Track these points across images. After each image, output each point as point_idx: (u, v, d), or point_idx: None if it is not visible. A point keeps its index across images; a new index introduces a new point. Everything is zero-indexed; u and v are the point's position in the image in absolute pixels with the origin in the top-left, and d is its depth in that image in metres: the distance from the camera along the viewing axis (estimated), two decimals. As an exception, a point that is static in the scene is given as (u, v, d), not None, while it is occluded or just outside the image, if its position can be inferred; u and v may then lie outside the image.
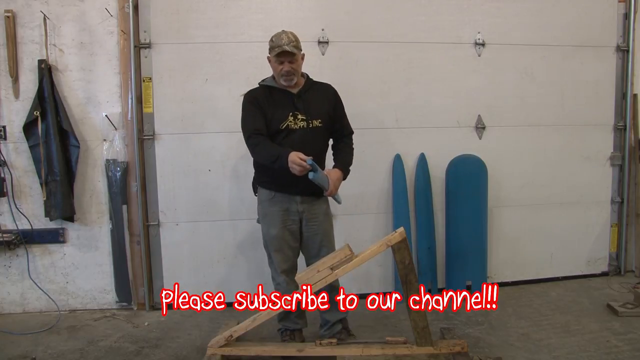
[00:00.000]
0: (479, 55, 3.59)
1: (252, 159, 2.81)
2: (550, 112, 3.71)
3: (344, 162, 2.73)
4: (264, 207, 2.73)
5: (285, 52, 2.55)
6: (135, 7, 3.28)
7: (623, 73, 3.78)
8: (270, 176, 2.68)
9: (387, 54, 3.50)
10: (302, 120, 2.62)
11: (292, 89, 2.67)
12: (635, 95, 3.81)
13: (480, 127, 3.64)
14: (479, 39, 3.57)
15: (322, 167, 2.74)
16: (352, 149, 2.82)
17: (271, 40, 2.62)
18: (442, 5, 3.52)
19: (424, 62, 3.54)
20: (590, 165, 3.81)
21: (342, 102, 2.80)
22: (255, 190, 2.84)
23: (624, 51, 3.75)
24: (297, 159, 2.43)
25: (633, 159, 3.84)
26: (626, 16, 3.74)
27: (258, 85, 2.74)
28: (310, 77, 2.77)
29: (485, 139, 3.65)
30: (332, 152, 2.80)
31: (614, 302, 3.25)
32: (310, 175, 2.48)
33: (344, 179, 2.71)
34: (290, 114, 2.62)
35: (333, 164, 2.72)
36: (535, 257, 3.79)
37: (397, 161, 3.53)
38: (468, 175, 3.44)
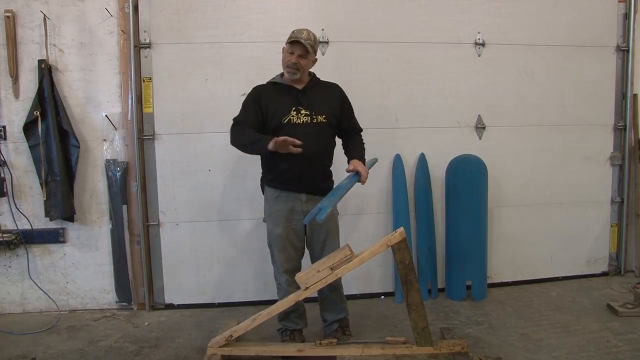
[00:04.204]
0: (479, 55, 3.59)
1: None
2: (550, 112, 3.71)
3: (359, 154, 2.77)
4: (270, 205, 2.74)
5: (298, 43, 2.58)
6: (135, 7, 3.28)
7: (623, 73, 3.78)
8: (275, 174, 2.68)
9: (387, 54, 3.50)
10: (306, 115, 2.64)
11: (297, 85, 2.69)
12: (635, 95, 3.81)
13: (480, 127, 3.64)
14: (479, 39, 3.57)
15: (331, 163, 2.77)
16: (364, 143, 2.86)
17: (292, 31, 2.65)
18: (442, 5, 3.52)
19: (424, 62, 3.54)
20: (590, 165, 3.81)
21: (349, 101, 2.83)
22: (263, 189, 2.85)
23: (624, 51, 3.75)
24: (283, 139, 2.44)
25: (633, 159, 3.84)
26: (626, 16, 3.74)
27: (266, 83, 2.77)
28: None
29: (485, 139, 3.65)
30: (343, 150, 2.84)
31: (614, 302, 3.25)
32: (321, 216, 2.28)
33: None
34: (293, 108, 2.63)
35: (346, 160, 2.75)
36: (535, 257, 3.79)
37: (397, 161, 3.52)
38: (468, 175, 3.44)
